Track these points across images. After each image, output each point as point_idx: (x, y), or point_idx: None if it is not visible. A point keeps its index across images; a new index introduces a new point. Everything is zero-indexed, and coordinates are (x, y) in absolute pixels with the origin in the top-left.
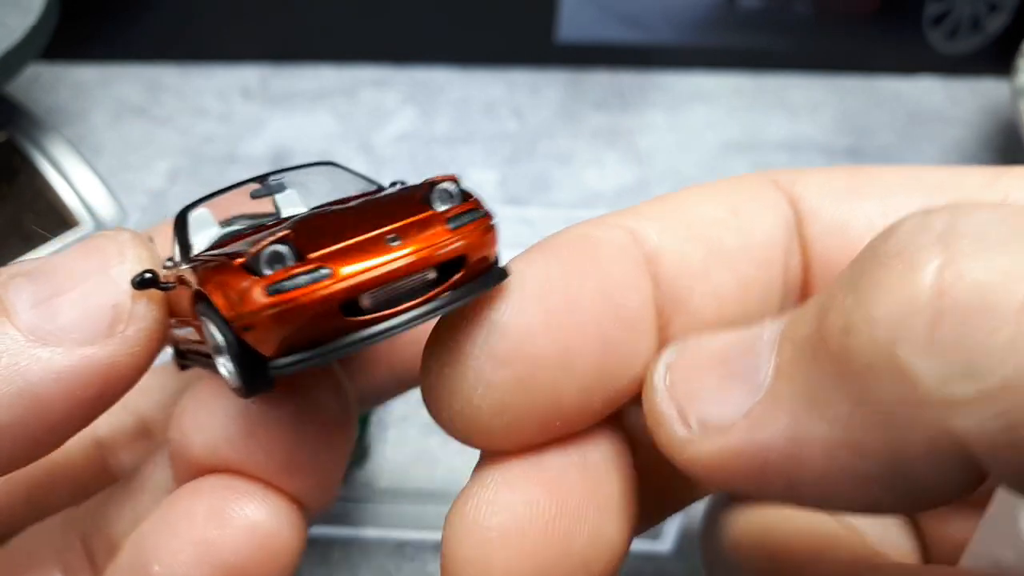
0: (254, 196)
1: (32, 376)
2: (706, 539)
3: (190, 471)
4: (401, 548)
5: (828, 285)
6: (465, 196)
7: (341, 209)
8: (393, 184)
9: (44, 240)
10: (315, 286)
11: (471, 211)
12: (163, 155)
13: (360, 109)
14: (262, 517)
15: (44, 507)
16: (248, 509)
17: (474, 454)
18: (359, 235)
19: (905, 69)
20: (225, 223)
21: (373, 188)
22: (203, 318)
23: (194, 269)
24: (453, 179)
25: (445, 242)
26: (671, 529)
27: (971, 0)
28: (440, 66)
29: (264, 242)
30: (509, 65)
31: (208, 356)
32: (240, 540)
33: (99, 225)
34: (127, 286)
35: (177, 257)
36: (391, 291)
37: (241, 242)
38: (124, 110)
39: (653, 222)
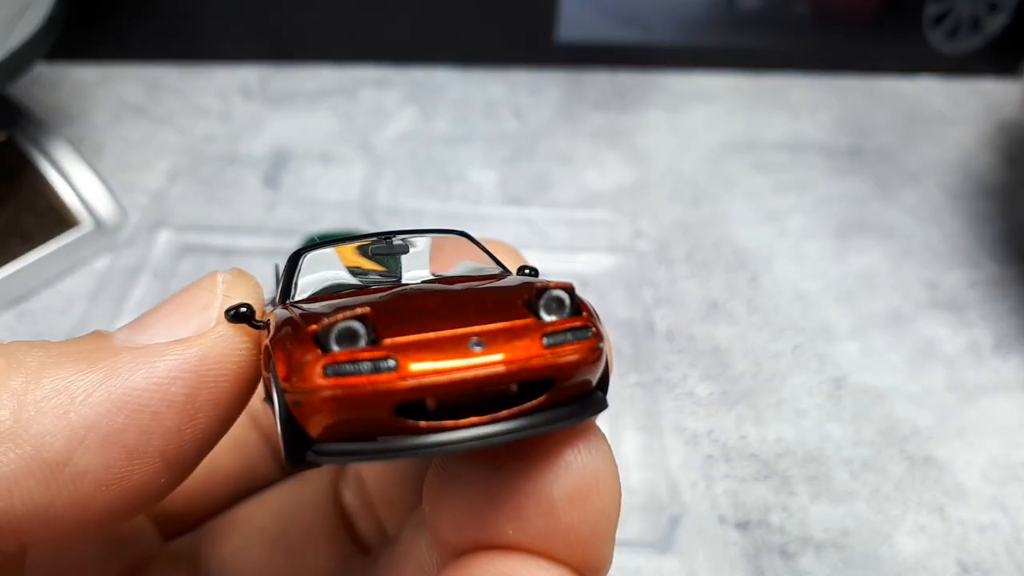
0: (374, 254)
1: (126, 378)
2: None
3: (449, 549)
4: None
5: None
6: (576, 309)
7: (440, 291)
8: (522, 270)
9: (44, 240)
10: (376, 378)
11: (577, 329)
12: (163, 155)
13: (360, 109)
14: None
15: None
16: None
17: None
18: (443, 328)
19: (905, 69)
20: (337, 273)
21: (496, 271)
22: (269, 374)
23: (276, 319)
24: (569, 288)
25: (534, 359)
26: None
27: (971, 0)
28: (440, 66)
29: (341, 315)
30: (509, 65)
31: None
32: None
33: (99, 225)
34: (218, 313)
35: (276, 299)
36: (462, 398)
37: (333, 302)
38: (124, 110)
39: None
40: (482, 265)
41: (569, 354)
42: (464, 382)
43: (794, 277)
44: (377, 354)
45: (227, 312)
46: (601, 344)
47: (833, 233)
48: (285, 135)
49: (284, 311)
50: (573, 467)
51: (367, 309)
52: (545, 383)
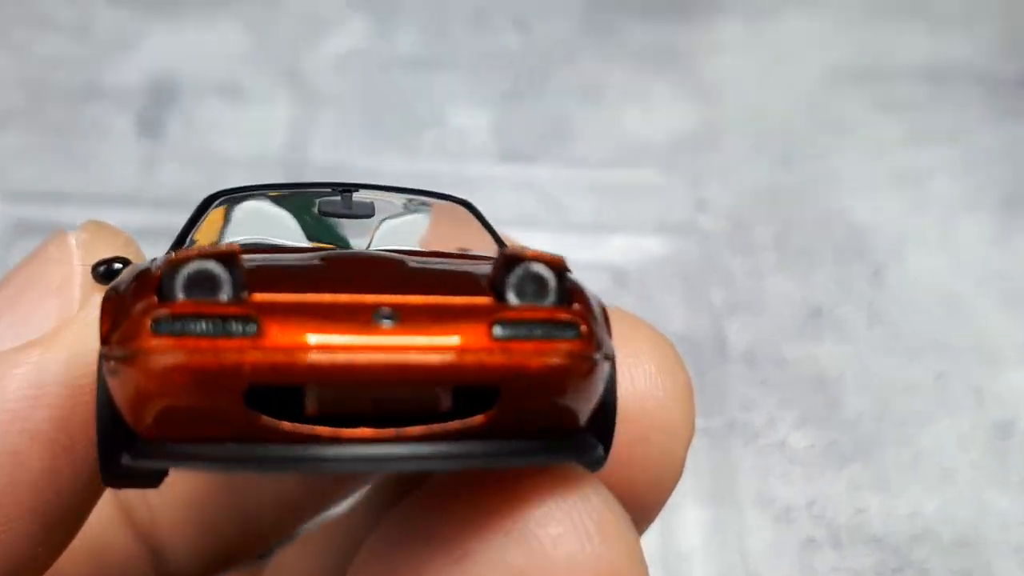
0: (322, 212)
1: None
2: None
3: None
4: None
5: None
6: (563, 295)
7: (381, 257)
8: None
9: None
10: (223, 343)
11: (554, 323)
12: None
13: (284, 15)
14: None
15: None
16: None
17: None
18: (343, 291)
19: None
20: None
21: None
22: None
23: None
24: (556, 263)
25: (471, 353)
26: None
27: None
28: None
29: (197, 252)
30: None
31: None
32: None
33: None
34: (80, 291)
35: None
36: (352, 397)
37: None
38: None
39: None
40: (487, 244)
41: (531, 355)
42: (352, 369)
43: (938, 271)
44: (233, 310)
45: (95, 269)
46: (593, 354)
47: (996, 205)
48: (170, 57)
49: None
50: (549, 555)
51: (235, 247)
52: (488, 395)
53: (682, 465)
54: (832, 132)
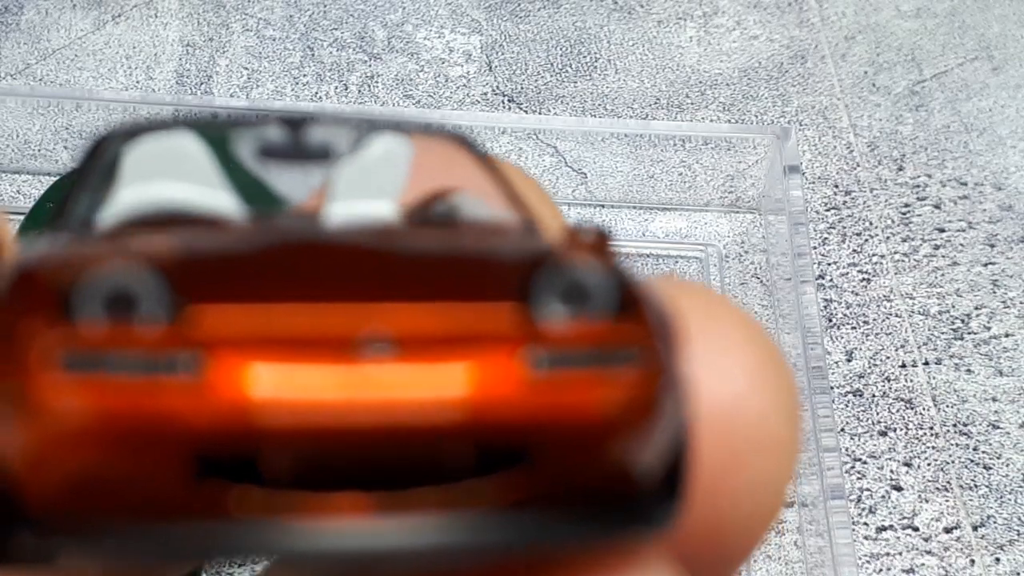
0: (264, 154)
1: None
2: None
3: None
4: None
5: None
6: (620, 297)
7: (365, 239)
8: (576, 235)
9: None
10: (156, 381)
11: (612, 346)
12: None
13: None
14: None
15: None
16: None
17: None
18: (318, 300)
19: None
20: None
21: (514, 222)
22: None
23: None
24: (602, 246)
25: (502, 400)
26: None
27: None
28: None
29: (116, 253)
30: None
31: None
32: None
33: None
34: None
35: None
36: (332, 456)
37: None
38: None
39: None
40: (497, 213)
41: (581, 395)
42: (334, 434)
43: None
44: (167, 341)
45: None
46: (661, 385)
47: None
48: None
49: (43, 245)
50: None
51: (166, 245)
52: (516, 452)
53: (782, 500)
54: (983, 57)
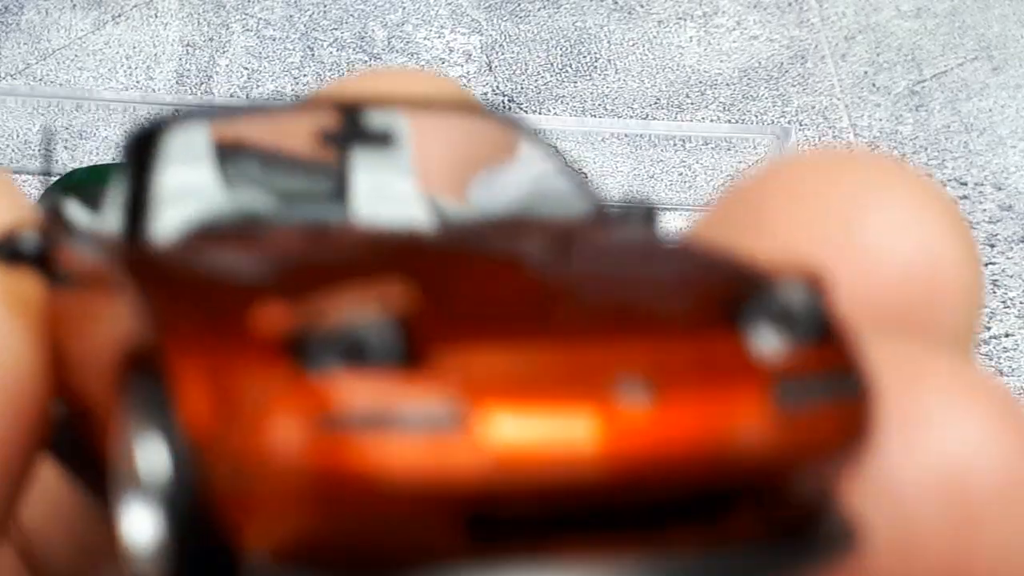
0: (327, 141)
1: None
2: None
3: None
4: None
5: None
6: (824, 326)
7: (513, 250)
8: (630, 211)
9: None
10: (419, 442)
11: (826, 375)
12: None
13: None
14: None
15: None
16: None
17: None
18: (555, 338)
19: None
20: (230, 178)
21: (587, 205)
22: (131, 407)
23: (141, 267)
24: (812, 279)
25: (757, 437)
26: None
27: None
28: None
29: (347, 292)
30: None
31: (101, 479)
32: None
33: None
34: None
35: (103, 223)
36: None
37: (265, 257)
38: None
39: None
40: (553, 192)
41: (823, 431)
42: (597, 485)
43: None
44: (422, 394)
45: None
46: (869, 400)
47: None
48: None
49: (140, 260)
50: None
51: (403, 285)
52: (754, 489)
53: (978, 317)
54: (983, 56)
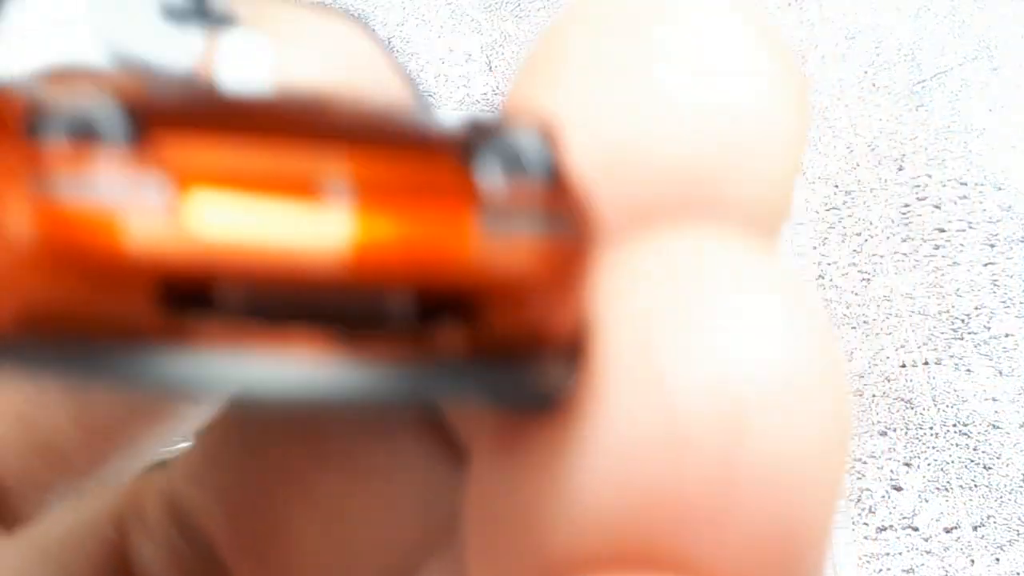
0: (169, 14)
1: None
2: None
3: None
4: None
5: None
6: (553, 172)
7: (296, 101)
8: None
9: None
10: (125, 206)
11: (543, 213)
12: None
13: None
14: None
15: None
16: None
17: None
18: (276, 142)
19: None
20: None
21: (405, 105)
22: None
23: None
24: (543, 129)
25: (455, 254)
26: None
27: None
28: None
29: (78, 80)
30: None
31: None
32: None
33: None
34: None
35: None
36: (280, 295)
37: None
38: None
39: None
40: (388, 83)
41: (528, 262)
42: (291, 268)
43: None
44: (135, 167)
45: None
46: (592, 253)
47: None
48: None
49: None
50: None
51: (135, 79)
52: (453, 307)
53: (793, 187)
54: (983, 56)
